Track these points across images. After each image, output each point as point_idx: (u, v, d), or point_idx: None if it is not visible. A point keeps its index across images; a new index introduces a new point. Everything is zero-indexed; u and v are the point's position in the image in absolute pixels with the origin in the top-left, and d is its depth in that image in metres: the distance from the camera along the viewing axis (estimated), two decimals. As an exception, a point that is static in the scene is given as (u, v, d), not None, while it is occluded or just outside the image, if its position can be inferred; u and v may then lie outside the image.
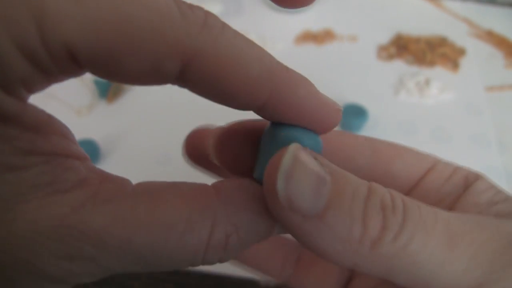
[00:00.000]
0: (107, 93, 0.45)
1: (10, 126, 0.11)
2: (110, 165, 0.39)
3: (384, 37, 0.53)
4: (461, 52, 0.50)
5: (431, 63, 0.49)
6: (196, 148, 0.19)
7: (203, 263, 0.12)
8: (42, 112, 0.12)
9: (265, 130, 0.14)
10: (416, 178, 0.17)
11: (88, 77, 0.46)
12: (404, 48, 0.51)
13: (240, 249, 0.12)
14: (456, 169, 0.16)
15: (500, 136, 0.41)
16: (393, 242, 0.11)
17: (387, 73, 0.48)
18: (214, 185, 0.13)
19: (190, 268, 0.32)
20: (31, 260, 0.10)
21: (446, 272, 0.11)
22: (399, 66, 0.49)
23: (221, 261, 0.12)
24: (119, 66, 0.10)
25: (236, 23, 0.55)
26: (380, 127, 0.42)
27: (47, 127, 0.12)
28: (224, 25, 0.11)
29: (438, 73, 0.48)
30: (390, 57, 0.50)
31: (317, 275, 0.19)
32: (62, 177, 0.11)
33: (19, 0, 0.09)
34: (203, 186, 0.13)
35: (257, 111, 0.12)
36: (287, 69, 0.12)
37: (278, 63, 0.12)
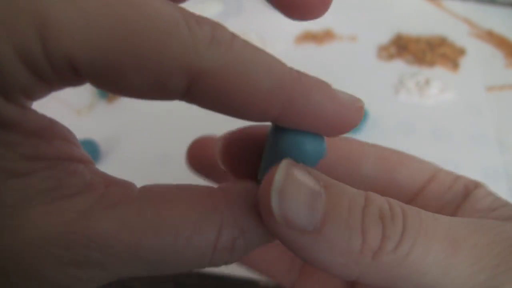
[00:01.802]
0: (107, 93, 0.45)
1: (12, 133, 0.11)
2: (110, 165, 0.39)
3: (384, 37, 0.53)
4: (461, 52, 0.50)
5: (431, 63, 0.49)
6: (199, 157, 0.19)
7: (209, 266, 0.12)
8: (43, 117, 0.12)
9: (268, 132, 0.14)
10: (419, 186, 0.17)
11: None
12: (404, 48, 0.51)
13: (247, 252, 0.12)
14: (457, 178, 0.16)
15: (500, 136, 0.41)
16: (395, 251, 0.11)
17: (387, 73, 0.48)
18: (220, 187, 0.13)
19: (190, 268, 0.32)
20: (38, 267, 0.10)
21: (450, 278, 0.11)
22: (399, 66, 0.49)
23: (227, 263, 0.12)
24: (122, 81, 0.10)
25: (236, 23, 0.55)
26: (380, 127, 0.42)
27: (49, 131, 0.12)
28: (233, 38, 0.11)
29: (438, 73, 0.48)
30: (390, 57, 0.50)
31: (321, 280, 0.19)
32: (67, 182, 0.11)
33: (23, 8, 0.09)
34: (209, 189, 0.12)
35: (270, 121, 0.12)
36: (299, 76, 0.11)
37: (290, 71, 0.11)
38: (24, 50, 0.09)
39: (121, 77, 0.10)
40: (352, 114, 0.12)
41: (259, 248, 0.13)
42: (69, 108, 0.44)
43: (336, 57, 0.50)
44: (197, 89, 0.10)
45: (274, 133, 0.13)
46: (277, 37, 0.52)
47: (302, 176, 0.11)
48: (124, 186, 0.12)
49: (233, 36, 0.11)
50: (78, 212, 0.11)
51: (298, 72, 0.12)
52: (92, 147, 0.39)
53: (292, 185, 0.11)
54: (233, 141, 0.14)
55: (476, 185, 0.16)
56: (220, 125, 0.44)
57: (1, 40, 0.09)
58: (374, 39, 0.52)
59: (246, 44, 0.11)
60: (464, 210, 0.15)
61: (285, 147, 0.12)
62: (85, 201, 0.11)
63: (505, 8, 0.58)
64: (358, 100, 0.12)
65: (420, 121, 0.43)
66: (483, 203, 0.15)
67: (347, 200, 0.11)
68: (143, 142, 0.41)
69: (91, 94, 0.45)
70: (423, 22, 0.55)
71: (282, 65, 0.11)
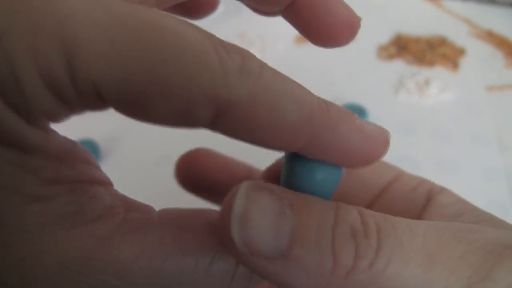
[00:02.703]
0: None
1: (34, 157, 0.10)
2: (110, 165, 0.39)
3: (384, 37, 0.53)
4: (461, 52, 0.50)
5: (431, 63, 0.49)
6: (188, 173, 0.19)
7: None
8: (65, 140, 0.12)
9: (283, 159, 0.13)
10: (383, 185, 0.17)
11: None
12: (404, 48, 0.51)
13: (264, 279, 0.12)
14: (422, 181, 0.16)
15: (500, 136, 0.41)
16: (369, 269, 0.10)
17: (387, 73, 0.48)
18: None
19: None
20: None
21: None
22: (399, 66, 0.49)
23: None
24: (148, 110, 0.10)
25: (236, 23, 0.55)
26: (380, 127, 0.42)
27: (71, 154, 0.11)
28: (262, 68, 0.10)
29: (438, 73, 0.48)
30: (390, 57, 0.50)
31: None
32: (88, 207, 0.11)
33: (50, 32, 0.09)
34: None
35: (294, 151, 0.12)
36: (327, 107, 0.11)
37: (319, 102, 0.11)
38: (50, 75, 0.09)
39: (147, 106, 0.10)
40: (378, 146, 0.12)
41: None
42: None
43: (336, 57, 0.50)
44: (224, 119, 0.10)
45: (290, 161, 0.12)
46: (277, 37, 0.52)
47: (264, 199, 0.10)
48: (144, 210, 0.12)
49: (262, 65, 0.10)
50: (99, 238, 0.11)
51: (326, 102, 0.11)
52: (92, 147, 0.39)
53: (254, 210, 0.10)
54: (272, 173, 0.14)
55: (442, 189, 0.16)
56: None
57: (27, 64, 0.09)
58: (374, 39, 0.52)
59: (275, 74, 0.11)
60: (430, 213, 0.15)
61: (299, 175, 0.12)
62: (105, 226, 0.11)
63: (505, 8, 0.58)
64: (385, 131, 0.12)
65: (420, 121, 0.43)
66: (451, 210, 0.15)
67: (316, 219, 0.11)
68: (143, 142, 0.41)
69: (91, 94, 0.45)
70: (423, 22, 0.55)
71: (311, 96, 0.11)
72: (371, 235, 0.11)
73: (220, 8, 0.57)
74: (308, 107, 0.11)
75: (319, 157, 0.11)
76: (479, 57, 0.50)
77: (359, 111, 0.41)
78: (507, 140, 0.41)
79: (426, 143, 0.40)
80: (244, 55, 0.10)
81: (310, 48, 0.54)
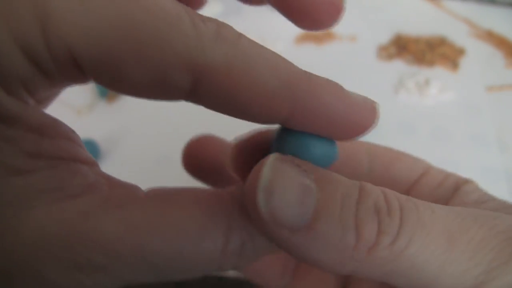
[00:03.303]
0: (107, 93, 0.45)
1: (13, 128, 0.10)
2: (110, 165, 0.39)
3: (384, 37, 0.53)
4: (461, 52, 0.50)
5: (431, 63, 0.49)
6: (195, 159, 0.18)
7: (218, 270, 0.12)
8: (46, 115, 0.11)
9: (274, 135, 0.13)
10: (412, 181, 0.17)
11: (88, 77, 0.46)
12: (404, 48, 0.51)
13: (256, 257, 0.12)
14: (448, 175, 0.16)
15: (500, 136, 0.41)
16: (391, 246, 0.11)
17: (386, 73, 0.48)
18: (228, 191, 0.12)
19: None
20: (40, 270, 0.10)
21: (446, 273, 0.11)
22: (399, 66, 0.49)
23: (235, 268, 0.12)
24: (123, 74, 0.10)
25: (236, 23, 0.54)
26: (380, 127, 0.42)
27: (53, 130, 0.11)
28: (240, 36, 0.10)
29: (438, 73, 0.48)
30: (390, 57, 0.50)
31: (315, 282, 0.19)
32: (70, 182, 0.11)
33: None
34: (217, 192, 0.12)
35: (279, 123, 0.12)
36: (308, 76, 0.11)
37: (298, 70, 0.11)
38: (25, 40, 0.09)
39: (121, 70, 0.10)
40: (365, 115, 0.12)
41: (268, 254, 0.12)
42: (69, 108, 0.44)
43: (336, 57, 0.50)
44: (202, 87, 0.10)
45: (281, 136, 0.12)
46: (277, 37, 0.52)
47: (291, 171, 0.11)
48: (129, 188, 0.12)
49: (240, 34, 0.11)
50: (81, 213, 0.10)
51: (307, 72, 0.11)
52: (92, 147, 0.39)
53: (281, 182, 0.10)
54: (244, 147, 0.14)
55: (466, 181, 0.16)
56: (223, 125, 0.44)
57: (1, 29, 0.09)
58: (374, 39, 0.52)
59: (252, 42, 0.11)
60: (453, 203, 0.15)
61: (293, 151, 0.12)
62: (88, 202, 0.11)
63: (505, 8, 0.58)
64: (372, 101, 0.12)
65: (419, 121, 0.43)
66: (472, 197, 0.15)
67: (340, 194, 0.11)
68: (143, 142, 0.41)
69: (91, 94, 0.45)
70: (423, 22, 0.55)
71: (291, 64, 0.11)
72: (394, 213, 0.11)
73: (220, 8, 0.57)
74: (288, 73, 0.11)
75: (306, 128, 0.11)
76: (479, 57, 0.50)
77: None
78: (507, 140, 0.41)
79: (426, 143, 0.40)
80: (220, 24, 0.10)
81: (310, 48, 0.54)
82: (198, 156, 0.18)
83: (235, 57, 0.10)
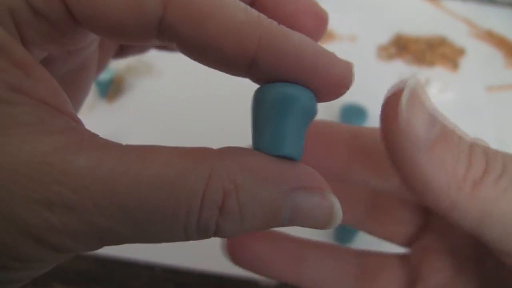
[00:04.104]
0: (107, 93, 0.45)
1: None
2: (110, 165, 0.39)
3: (384, 37, 0.53)
4: (461, 52, 0.50)
5: (430, 63, 0.49)
6: (240, 252, 0.18)
7: (199, 229, 0.11)
8: (33, 58, 0.11)
9: (253, 96, 0.12)
10: None
11: (88, 77, 0.46)
12: (404, 48, 0.51)
13: (241, 222, 0.11)
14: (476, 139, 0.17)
15: (500, 136, 0.41)
16: (495, 184, 0.12)
17: (387, 73, 0.48)
18: (216, 149, 0.12)
19: (190, 267, 0.32)
20: (7, 200, 0.10)
21: None
22: (399, 66, 0.49)
23: (219, 229, 0.11)
24: (101, 1, 0.10)
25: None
26: (380, 127, 0.42)
27: (39, 72, 0.11)
28: None
29: (438, 73, 0.48)
30: (390, 57, 0.50)
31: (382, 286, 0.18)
32: (49, 122, 0.11)
33: None
34: (203, 147, 0.11)
35: (249, 73, 0.12)
36: (278, 24, 0.11)
37: (266, 17, 0.11)
38: None
39: None
40: (340, 64, 0.12)
41: (255, 229, 0.11)
42: (69, 108, 0.44)
43: (336, 57, 0.50)
44: (173, 13, 0.11)
45: (263, 90, 0.12)
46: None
47: (428, 97, 0.12)
48: (112, 141, 0.11)
49: None
50: (56, 147, 0.10)
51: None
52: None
53: (420, 98, 0.12)
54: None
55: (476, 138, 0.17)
56: (223, 125, 0.44)
57: None
58: (374, 39, 0.52)
59: None
60: None
61: (279, 103, 0.11)
62: (64, 139, 0.10)
63: (505, 8, 0.58)
64: (347, 61, 0.13)
65: (420, 121, 0.43)
66: None
67: (459, 133, 0.12)
68: (143, 142, 0.41)
69: (91, 94, 0.45)
70: (423, 22, 0.55)
71: (257, 12, 0.11)
72: (499, 158, 0.12)
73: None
74: (256, 13, 0.11)
75: (274, 73, 0.11)
76: (479, 57, 0.50)
77: (359, 111, 0.41)
78: (507, 140, 0.41)
79: (426, 143, 0.40)
80: None
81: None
82: (242, 250, 0.18)
83: None
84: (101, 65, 0.18)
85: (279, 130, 0.12)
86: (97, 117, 0.43)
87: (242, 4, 0.11)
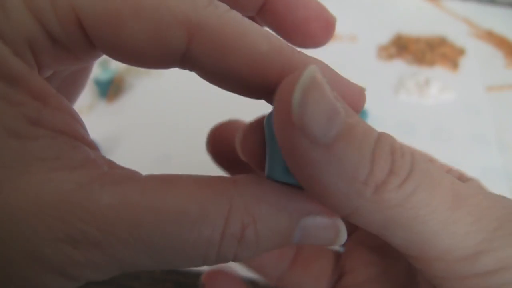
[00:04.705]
0: (107, 93, 0.45)
1: (16, 90, 0.10)
2: (110, 165, 0.39)
3: (384, 37, 0.53)
4: (461, 52, 0.50)
5: (431, 63, 0.49)
6: (220, 145, 0.18)
7: (217, 259, 0.11)
8: (50, 87, 0.11)
9: (265, 123, 0.13)
10: None
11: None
12: (404, 48, 0.51)
13: (257, 249, 0.12)
14: (451, 168, 0.16)
15: (500, 136, 0.41)
16: (398, 189, 0.10)
17: (387, 73, 0.48)
18: (231, 177, 0.12)
19: (190, 267, 0.32)
20: (31, 238, 0.10)
21: (448, 233, 0.11)
22: (399, 66, 0.49)
23: (236, 258, 0.11)
24: (123, 34, 0.10)
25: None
26: (380, 126, 0.42)
27: (56, 102, 0.11)
28: (231, 8, 0.11)
29: (438, 73, 0.48)
30: (390, 57, 0.50)
31: (311, 274, 0.19)
32: (69, 155, 0.11)
33: None
34: (219, 176, 0.12)
35: (270, 99, 0.12)
36: (297, 50, 0.12)
37: (287, 44, 0.11)
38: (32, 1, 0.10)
39: (122, 29, 0.10)
40: (355, 90, 0.12)
41: (270, 251, 0.12)
42: (69, 108, 0.44)
43: (336, 57, 0.50)
44: (196, 46, 0.11)
45: (269, 120, 0.12)
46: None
47: (328, 88, 0.10)
48: (129, 170, 0.12)
49: (231, 8, 0.11)
50: (78, 184, 0.10)
51: (294, 47, 0.12)
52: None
53: (318, 90, 0.10)
54: (253, 131, 0.14)
55: (470, 178, 0.16)
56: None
57: None
58: (374, 39, 0.52)
59: (242, 16, 0.11)
60: None
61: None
62: (85, 175, 0.10)
63: (505, 8, 0.58)
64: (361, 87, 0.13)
65: (419, 121, 0.43)
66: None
67: (362, 129, 0.11)
68: (143, 142, 0.41)
69: (91, 94, 0.45)
70: (423, 22, 0.55)
71: (280, 38, 0.11)
72: (406, 158, 0.11)
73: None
74: (279, 41, 0.11)
75: None
76: (479, 57, 0.50)
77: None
78: (507, 140, 0.41)
79: (426, 143, 0.40)
80: None
81: (310, 48, 0.54)
82: (222, 141, 0.18)
83: (228, 19, 0.11)
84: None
85: None
86: (97, 117, 0.43)
87: (265, 32, 0.11)
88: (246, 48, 0.11)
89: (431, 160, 0.16)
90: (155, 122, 0.43)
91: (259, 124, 0.13)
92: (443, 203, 0.11)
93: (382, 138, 0.11)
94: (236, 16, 0.11)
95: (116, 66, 0.47)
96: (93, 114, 0.44)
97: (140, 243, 0.10)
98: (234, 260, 0.12)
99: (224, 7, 0.11)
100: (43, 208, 0.10)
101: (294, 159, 0.11)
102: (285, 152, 0.11)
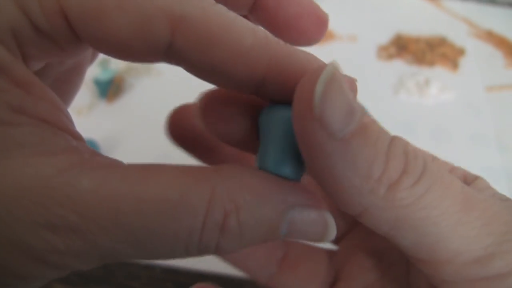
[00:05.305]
0: (107, 93, 0.45)
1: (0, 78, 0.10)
2: (110, 165, 0.39)
3: (384, 37, 0.53)
4: (461, 52, 0.50)
5: (430, 63, 0.49)
6: (180, 127, 0.18)
7: (200, 248, 0.11)
8: (35, 77, 0.11)
9: (262, 112, 0.13)
10: None
11: (88, 77, 0.46)
12: (404, 48, 0.51)
13: (241, 240, 0.11)
14: (455, 167, 0.16)
15: (500, 136, 0.41)
16: (411, 189, 0.10)
17: (387, 73, 0.48)
18: (214, 166, 0.12)
19: (190, 267, 0.32)
20: (11, 225, 0.10)
21: (457, 235, 0.11)
22: (399, 66, 0.49)
23: (219, 248, 0.11)
24: (108, 26, 0.10)
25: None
26: (380, 127, 0.42)
27: (40, 91, 0.11)
28: (215, 2, 0.11)
29: (438, 73, 0.48)
30: (390, 57, 0.50)
31: (301, 276, 0.18)
32: (51, 141, 0.11)
33: None
34: (202, 166, 0.12)
35: (257, 92, 0.12)
36: (284, 43, 0.11)
37: (274, 37, 0.11)
38: None
39: (107, 22, 0.10)
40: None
41: (253, 245, 0.12)
42: (69, 108, 0.44)
43: (336, 57, 0.50)
44: (180, 38, 0.10)
45: (272, 112, 0.12)
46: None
47: (346, 85, 0.11)
48: (112, 159, 0.12)
49: (222, 6, 0.11)
50: (58, 169, 0.10)
51: (281, 40, 0.12)
52: (92, 147, 0.39)
53: (339, 86, 0.10)
54: (215, 98, 0.14)
55: (476, 177, 0.16)
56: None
57: None
58: (374, 39, 0.52)
59: (228, 10, 0.11)
60: None
61: (277, 125, 0.12)
62: (66, 160, 0.10)
63: (505, 8, 0.58)
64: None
65: (419, 121, 0.43)
66: (487, 193, 0.15)
67: (378, 128, 0.11)
68: (143, 142, 0.41)
69: (91, 94, 0.45)
70: (423, 22, 0.55)
71: (266, 31, 0.11)
72: (419, 160, 0.11)
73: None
74: (263, 34, 0.11)
75: (284, 90, 0.12)
76: (478, 57, 0.50)
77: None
78: (506, 140, 0.41)
79: (426, 143, 0.40)
80: None
81: (310, 48, 0.54)
82: (183, 124, 0.18)
83: (213, 11, 0.11)
84: (94, 57, 0.18)
85: (282, 151, 0.12)
86: (97, 117, 0.43)
87: (250, 25, 0.11)
88: (230, 41, 0.11)
89: (434, 159, 0.16)
90: (155, 122, 0.43)
91: (219, 93, 0.14)
92: (454, 205, 0.11)
93: (396, 139, 0.11)
94: (221, 9, 0.11)
95: (116, 66, 0.47)
96: (93, 114, 0.44)
97: (120, 230, 0.10)
98: (217, 252, 0.11)
99: (209, 0, 0.11)
100: (22, 192, 0.10)
101: (310, 151, 0.11)
102: (302, 143, 0.11)
